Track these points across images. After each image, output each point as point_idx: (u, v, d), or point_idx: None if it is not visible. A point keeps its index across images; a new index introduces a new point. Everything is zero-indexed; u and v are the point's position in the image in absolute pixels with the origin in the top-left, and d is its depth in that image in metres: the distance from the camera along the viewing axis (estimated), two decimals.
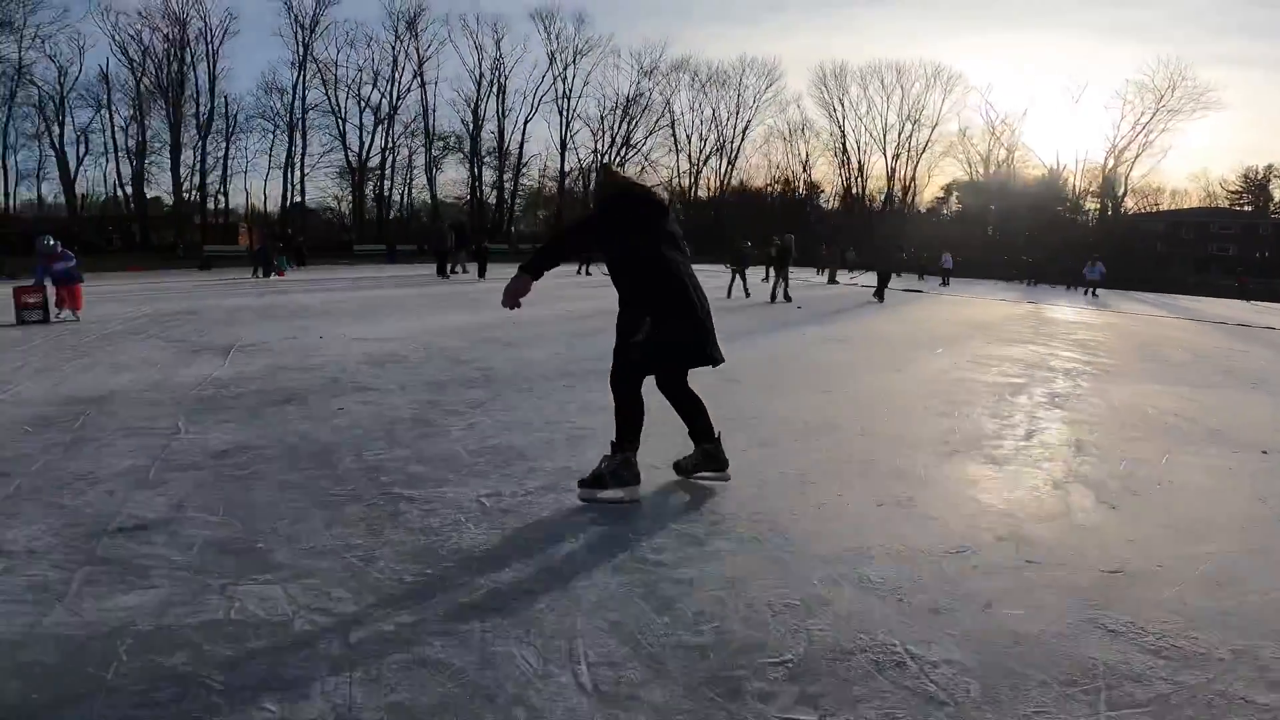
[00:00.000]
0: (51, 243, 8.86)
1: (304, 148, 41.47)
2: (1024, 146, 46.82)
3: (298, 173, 41.49)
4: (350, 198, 43.55)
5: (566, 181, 47.07)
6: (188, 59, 38.54)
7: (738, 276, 14.79)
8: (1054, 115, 66.73)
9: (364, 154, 42.79)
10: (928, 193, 49.50)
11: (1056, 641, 2.03)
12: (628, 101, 46.67)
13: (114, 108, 38.24)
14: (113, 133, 38.61)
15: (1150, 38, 63.06)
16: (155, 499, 2.82)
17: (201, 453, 3.45)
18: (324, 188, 44.13)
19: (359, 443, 3.73)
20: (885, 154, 48.00)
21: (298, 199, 42.03)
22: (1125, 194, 44.84)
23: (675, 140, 48.70)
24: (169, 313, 9.89)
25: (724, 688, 1.77)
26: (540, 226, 45.91)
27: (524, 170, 46.51)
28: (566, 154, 46.73)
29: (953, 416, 4.81)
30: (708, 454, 3.24)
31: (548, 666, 1.83)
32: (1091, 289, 24.19)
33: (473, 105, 44.36)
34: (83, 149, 38.27)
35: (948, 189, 49.69)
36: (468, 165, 45.02)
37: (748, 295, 14.41)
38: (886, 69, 46.37)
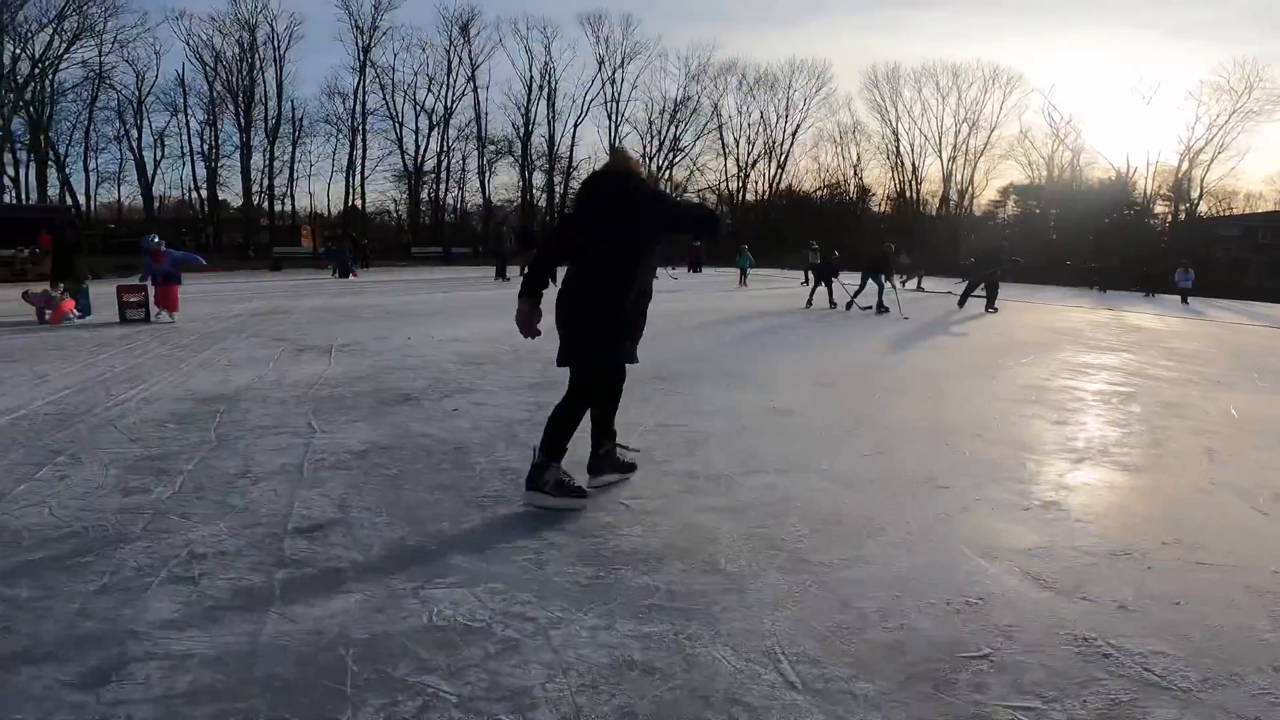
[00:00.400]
0: (156, 241, 9.22)
1: (364, 152, 42.63)
2: (1090, 149, 45.43)
3: (358, 176, 42.69)
4: (407, 201, 44.56)
5: None
6: (257, 64, 40.00)
7: (821, 285, 13.92)
8: (1122, 116, 64.60)
9: (419, 158, 43.77)
10: (984, 196, 48.33)
11: (1257, 634, 2.06)
12: (675, 105, 46.71)
13: (189, 112, 39.97)
14: (188, 136, 40.36)
15: (1220, 37, 60.63)
16: (319, 499, 2.91)
17: (344, 452, 3.55)
18: (383, 191, 45.35)
19: (486, 444, 3.79)
20: (941, 157, 47.00)
21: (358, 202, 43.21)
22: (1201, 198, 42.98)
23: (723, 144, 48.57)
24: (260, 312, 10.25)
25: (933, 680, 1.81)
26: None
27: (574, 174, 46.93)
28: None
29: (1069, 424, 4.73)
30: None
31: (751, 666, 1.86)
32: (1183, 296, 23.26)
33: (523, 109, 44.98)
34: (159, 152, 40.09)
35: (1004, 192, 48.42)
36: (519, 169, 45.62)
37: (834, 306, 13.58)
38: (942, 70, 45.41)
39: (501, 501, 2.97)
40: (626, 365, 3.07)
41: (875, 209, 50.82)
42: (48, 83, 34.25)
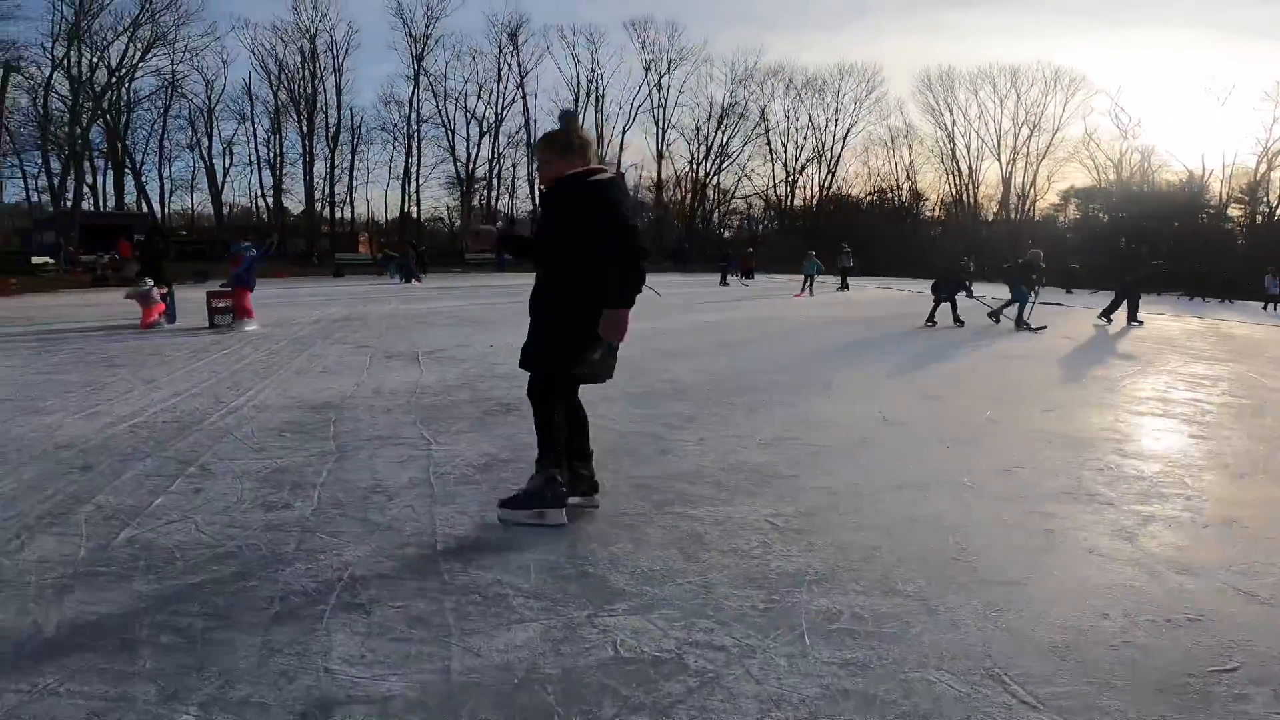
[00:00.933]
0: (245, 244, 9.44)
1: (419, 159, 43.49)
2: (1162, 151, 43.72)
3: (414, 184, 43.57)
4: (459, 207, 45.28)
5: (664, 193, 47.33)
6: (318, 72, 41.18)
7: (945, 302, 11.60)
8: (1195, 117, 62.02)
9: (471, 165, 44.45)
10: (1044, 200, 46.86)
11: None
12: (723, 110, 46.46)
13: (255, 120, 41.36)
14: (255, 144, 41.77)
15: None
16: (458, 516, 2.81)
17: (465, 465, 3.46)
18: (436, 198, 46.19)
19: (605, 458, 3.66)
20: (1000, 160, 45.75)
21: (413, 209, 44.12)
22: None
23: (770, 149, 48.12)
24: (337, 318, 10.42)
25: (1184, 694, 1.72)
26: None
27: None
28: (663, 164, 46.95)
29: (1210, 438, 4.43)
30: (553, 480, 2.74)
31: (977, 689, 1.74)
32: (1272, 303, 22.11)
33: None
34: (228, 160, 41.57)
35: (1065, 195, 46.85)
36: None
37: (959, 323, 11.29)
38: (999, 72, 44.33)
39: (644, 520, 2.84)
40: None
41: (929, 214, 49.79)
42: (124, 91, 35.70)
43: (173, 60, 36.96)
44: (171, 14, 35.14)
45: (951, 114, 45.92)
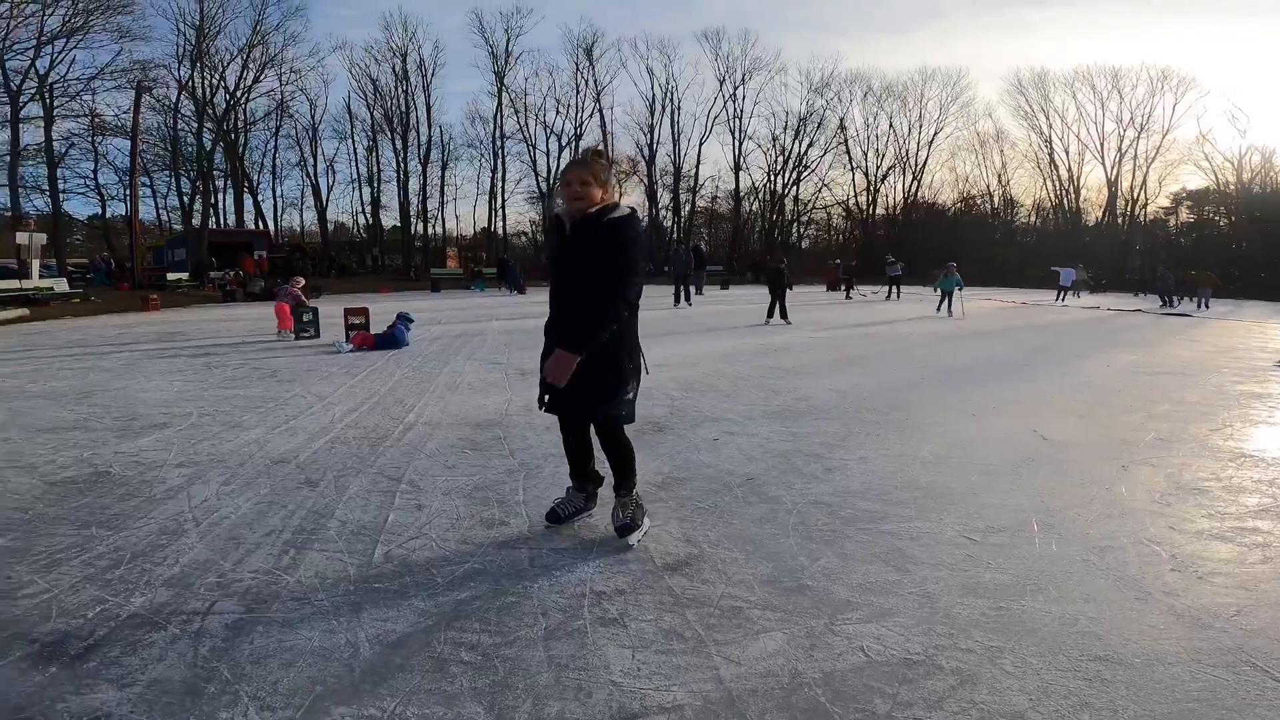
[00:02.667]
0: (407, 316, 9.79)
1: (503, 174, 44.85)
2: None
3: (499, 198, 44.96)
4: (542, 222, 46.33)
5: (741, 205, 47.13)
6: (409, 90, 43.10)
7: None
8: None
9: (551, 179, 45.49)
10: (1154, 205, 44.14)
11: None
12: (800, 120, 45.90)
13: (355, 138, 43.72)
14: (355, 163, 44.16)
15: None
16: (662, 533, 2.95)
17: (645, 483, 3.59)
18: (521, 211, 47.48)
19: (773, 475, 3.76)
20: (1104, 163, 43.42)
21: (499, 225, 45.52)
22: None
23: (850, 157, 47.20)
24: (456, 334, 10.90)
25: None
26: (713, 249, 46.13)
27: (699, 192, 47.12)
28: (740, 175, 46.76)
29: None
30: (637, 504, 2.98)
31: (1241, 678, 1.90)
32: None
33: (647, 129, 45.72)
34: (331, 178, 44.10)
35: (1175, 199, 43.96)
36: (645, 188, 46.34)
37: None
38: (1099, 73, 42.12)
39: (839, 535, 2.93)
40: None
41: (1023, 220, 47.72)
42: (241, 112, 38.35)
43: (280, 81, 39.42)
44: (280, 35, 37.61)
45: (1047, 117, 44.01)
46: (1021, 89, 44.02)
